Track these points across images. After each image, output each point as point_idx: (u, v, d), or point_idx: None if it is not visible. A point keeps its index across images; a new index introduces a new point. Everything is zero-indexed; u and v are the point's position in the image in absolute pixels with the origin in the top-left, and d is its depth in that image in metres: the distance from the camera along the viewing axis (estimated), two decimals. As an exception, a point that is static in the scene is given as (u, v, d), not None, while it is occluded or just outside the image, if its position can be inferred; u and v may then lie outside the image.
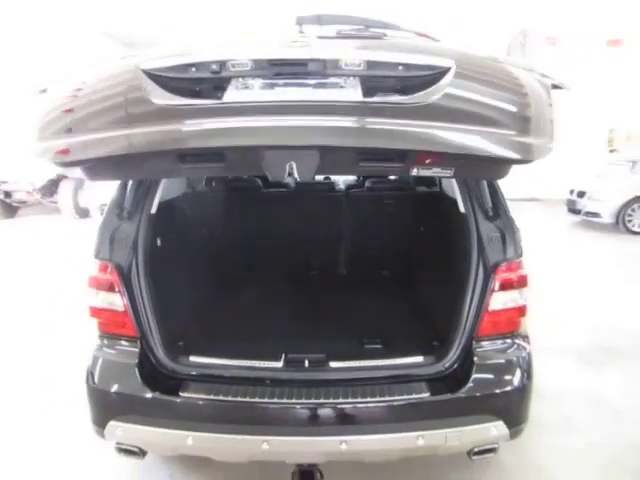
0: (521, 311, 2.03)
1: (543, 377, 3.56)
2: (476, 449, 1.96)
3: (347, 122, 1.52)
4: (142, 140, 1.54)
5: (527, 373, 1.99)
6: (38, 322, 4.77)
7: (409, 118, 1.49)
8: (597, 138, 14.58)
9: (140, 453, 1.99)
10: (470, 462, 2.44)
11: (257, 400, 1.83)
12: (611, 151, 14.85)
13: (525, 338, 2.09)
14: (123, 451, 2.01)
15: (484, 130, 1.52)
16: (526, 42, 13.55)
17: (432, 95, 1.49)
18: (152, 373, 1.96)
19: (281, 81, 1.55)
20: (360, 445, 1.83)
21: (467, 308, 1.98)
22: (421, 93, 1.50)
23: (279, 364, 2.02)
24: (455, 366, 1.98)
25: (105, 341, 2.03)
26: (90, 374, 1.97)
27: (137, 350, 1.97)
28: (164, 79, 1.54)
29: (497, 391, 1.92)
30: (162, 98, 1.51)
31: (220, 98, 1.51)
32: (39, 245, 8.70)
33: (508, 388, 1.93)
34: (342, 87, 1.53)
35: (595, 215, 9.38)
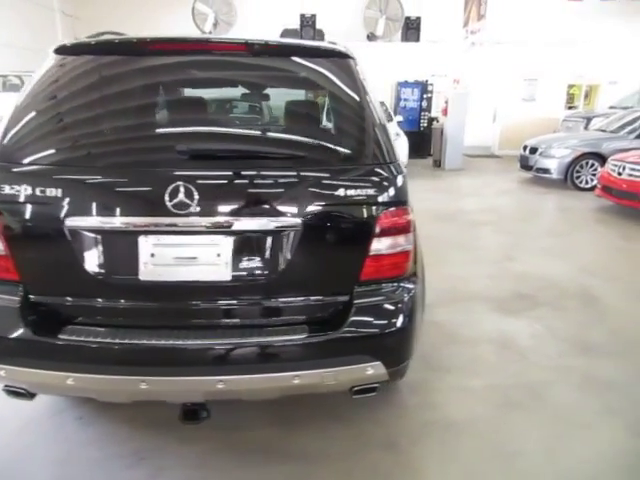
0: (406, 256, 2.05)
1: (460, 323, 3.72)
2: (356, 388, 2.02)
3: None
4: None
5: (408, 315, 2.02)
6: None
7: None
8: (557, 94, 14.66)
9: (28, 394, 2.00)
10: (370, 399, 2.55)
11: (134, 341, 1.85)
12: (570, 107, 14.98)
13: (411, 281, 2.11)
14: (12, 393, 2.02)
15: None
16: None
17: None
18: (33, 316, 1.95)
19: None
20: (237, 385, 1.87)
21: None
22: None
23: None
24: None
25: None
26: None
27: (21, 294, 1.95)
28: None
29: (374, 333, 1.97)
30: None
31: None
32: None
33: (386, 330, 1.98)
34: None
35: (545, 171, 9.53)
